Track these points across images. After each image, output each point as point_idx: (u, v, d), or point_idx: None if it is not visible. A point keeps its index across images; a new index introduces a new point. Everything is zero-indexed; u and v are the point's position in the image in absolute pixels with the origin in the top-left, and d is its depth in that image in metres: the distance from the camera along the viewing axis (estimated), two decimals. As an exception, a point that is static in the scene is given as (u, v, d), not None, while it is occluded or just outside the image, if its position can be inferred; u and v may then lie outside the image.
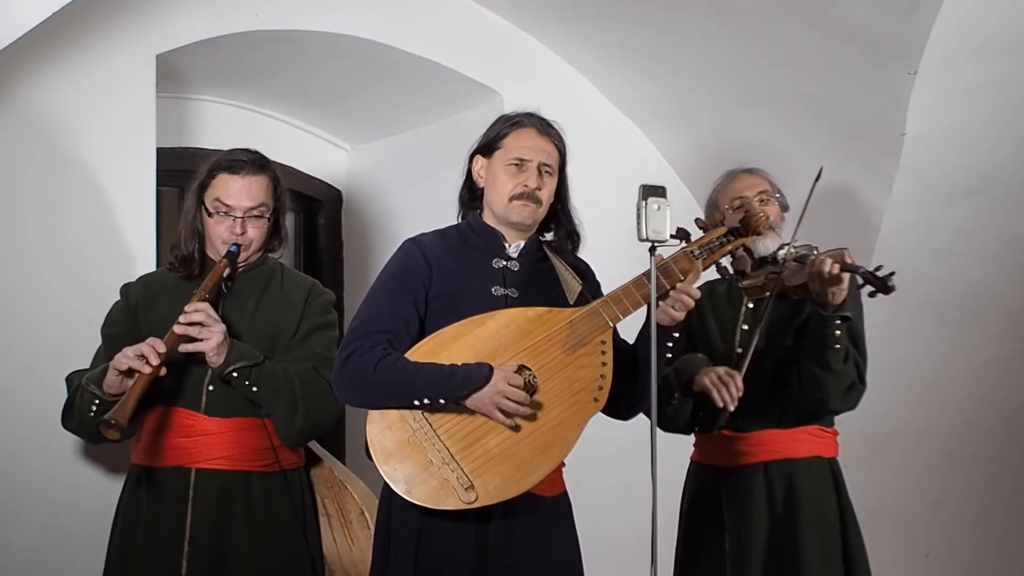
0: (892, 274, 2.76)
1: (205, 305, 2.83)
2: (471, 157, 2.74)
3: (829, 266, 2.77)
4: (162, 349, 2.75)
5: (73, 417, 2.89)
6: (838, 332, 2.86)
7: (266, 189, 2.97)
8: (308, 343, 2.96)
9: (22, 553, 3.12)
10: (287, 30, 3.78)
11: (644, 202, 2.46)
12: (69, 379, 2.95)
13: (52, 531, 3.16)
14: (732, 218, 2.72)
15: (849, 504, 3.05)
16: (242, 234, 2.93)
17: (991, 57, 3.46)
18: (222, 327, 2.82)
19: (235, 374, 2.82)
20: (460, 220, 2.78)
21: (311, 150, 4.49)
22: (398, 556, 2.54)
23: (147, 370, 2.73)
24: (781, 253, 2.96)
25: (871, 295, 2.81)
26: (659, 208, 2.45)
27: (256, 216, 2.95)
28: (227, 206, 2.93)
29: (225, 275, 2.93)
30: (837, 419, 3.16)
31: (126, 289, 3.03)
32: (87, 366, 2.96)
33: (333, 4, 3.84)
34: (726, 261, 2.75)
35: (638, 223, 2.46)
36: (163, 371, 2.76)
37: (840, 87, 3.73)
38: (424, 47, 4.01)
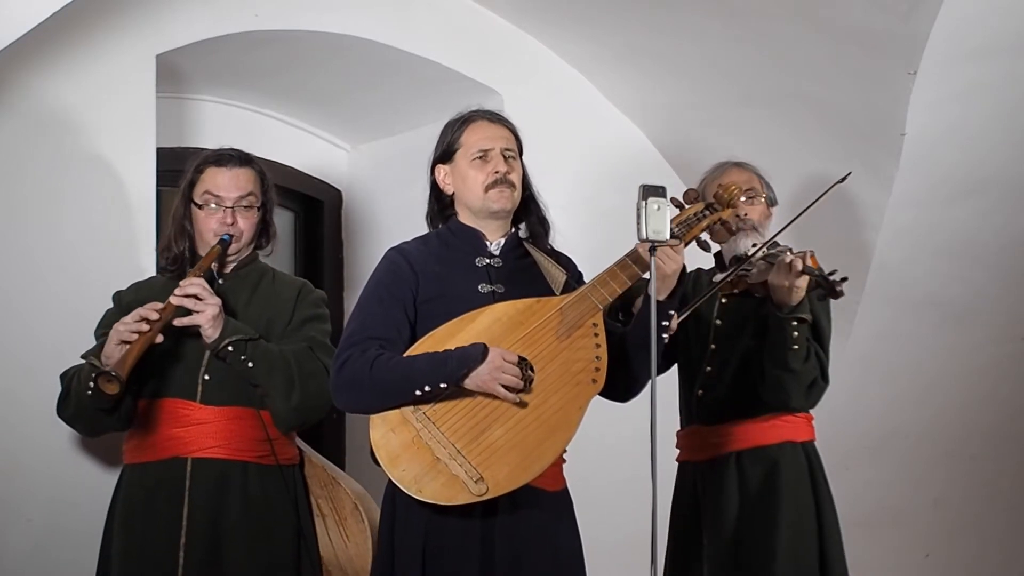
0: (844, 280, 2.80)
1: (200, 280, 2.85)
2: (432, 169, 2.78)
3: (793, 260, 2.80)
4: (158, 306, 2.79)
5: (70, 404, 2.91)
6: (796, 333, 2.90)
7: (253, 180, 3.02)
8: (302, 331, 2.99)
9: (22, 552, 3.12)
10: (287, 30, 3.78)
11: (644, 202, 2.46)
12: (64, 374, 2.96)
13: (52, 530, 3.16)
14: (707, 193, 2.76)
15: (825, 489, 3.08)
16: (232, 224, 2.96)
17: (991, 57, 3.46)
18: (217, 301, 2.85)
19: (231, 348, 2.83)
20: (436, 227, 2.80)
21: (311, 150, 4.49)
22: (405, 556, 2.54)
23: (145, 328, 2.76)
24: (752, 250, 2.98)
25: (820, 298, 2.88)
26: (659, 208, 2.46)
27: (246, 207, 2.99)
28: (217, 196, 2.97)
29: (216, 267, 2.95)
30: (831, 417, 3.19)
31: (118, 295, 3.05)
32: (85, 367, 2.97)
33: (333, 4, 3.84)
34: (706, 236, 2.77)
35: (638, 223, 2.46)
36: (160, 338, 2.78)
37: (840, 87, 3.73)
38: (424, 47, 4.01)
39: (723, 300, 3.12)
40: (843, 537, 3.13)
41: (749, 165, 3.27)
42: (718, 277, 3.04)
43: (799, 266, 2.81)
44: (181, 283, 2.85)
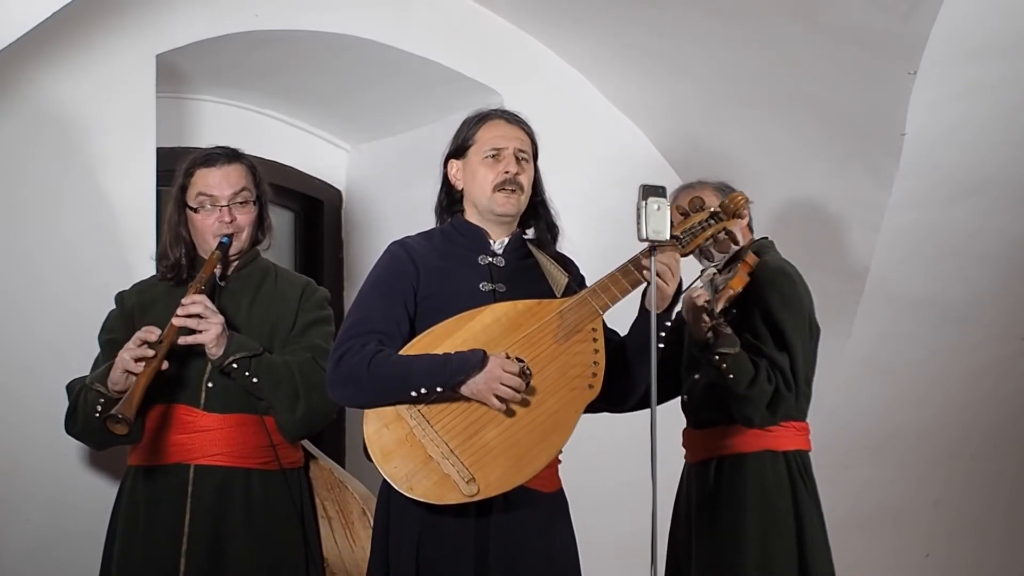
0: (729, 317, 2.84)
1: (202, 297, 2.83)
2: (445, 163, 2.77)
3: (696, 296, 2.82)
4: (156, 332, 2.77)
5: (77, 422, 2.89)
6: (724, 366, 2.87)
7: (245, 175, 2.99)
8: (306, 337, 2.97)
9: (22, 553, 3.12)
10: (287, 30, 3.78)
11: (644, 202, 2.46)
12: (69, 387, 2.95)
13: (52, 531, 3.16)
14: (712, 202, 2.76)
15: (810, 501, 3.05)
16: (231, 221, 2.94)
17: (991, 57, 3.46)
18: (220, 318, 2.83)
19: (235, 365, 2.82)
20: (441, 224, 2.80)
21: (311, 150, 4.49)
22: (400, 555, 2.54)
23: (149, 353, 2.74)
24: (707, 274, 3.00)
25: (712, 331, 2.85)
26: (659, 208, 2.46)
27: (241, 203, 2.97)
28: (211, 196, 2.94)
29: (218, 271, 2.93)
30: (831, 418, 3.18)
31: (121, 297, 3.03)
32: (87, 369, 2.95)
33: (333, 4, 3.84)
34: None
35: (638, 223, 2.46)
36: (165, 365, 2.76)
37: (840, 87, 3.73)
38: (424, 47, 4.01)
39: None
40: (843, 538, 3.13)
41: (700, 182, 3.22)
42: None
43: (699, 303, 2.79)
44: (182, 301, 2.82)
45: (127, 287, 3.07)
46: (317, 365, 2.88)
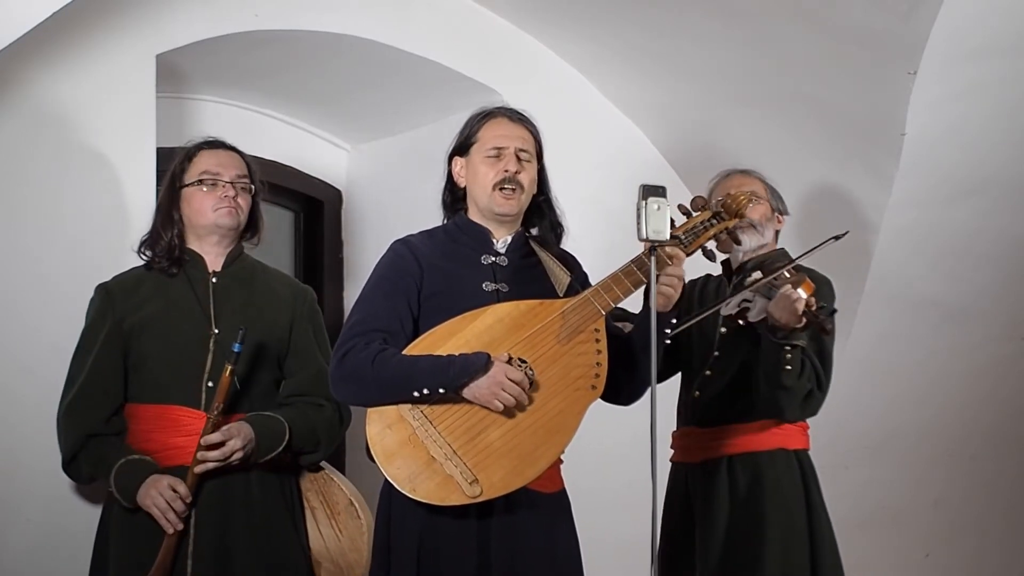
0: (834, 312, 2.94)
1: (214, 438, 2.78)
2: (449, 159, 2.78)
3: (797, 300, 2.83)
4: (188, 498, 2.78)
5: (82, 478, 2.95)
6: (789, 355, 2.91)
7: (245, 166, 3.05)
8: (313, 356, 3.00)
9: (22, 553, 3.12)
10: (287, 30, 3.78)
11: (644, 202, 2.46)
12: (63, 427, 2.92)
13: (52, 530, 3.16)
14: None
15: (819, 498, 3.08)
16: (234, 196, 2.96)
17: (991, 57, 3.47)
18: (239, 443, 2.80)
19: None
20: (445, 222, 2.81)
21: (311, 150, 4.49)
22: (402, 556, 2.54)
23: (170, 531, 2.77)
24: (749, 280, 3.01)
25: (803, 328, 2.88)
26: (659, 208, 2.46)
27: (243, 188, 3.01)
28: (215, 174, 2.97)
29: (212, 271, 2.96)
30: (831, 418, 3.20)
31: (106, 291, 3.01)
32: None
33: (333, 4, 3.84)
34: (711, 244, 2.77)
35: (638, 223, 2.46)
36: (188, 498, 2.79)
37: (840, 87, 3.73)
38: (424, 47, 4.01)
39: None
40: (843, 538, 3.13)
41: (755, 172, 3.29)
42: (725, 309, 3.04)
43: (801, 308, 2.82)
44: (202, 441, 2.78)
45: (111, 279, 3.06)
46: (331, 404, 2.94)
